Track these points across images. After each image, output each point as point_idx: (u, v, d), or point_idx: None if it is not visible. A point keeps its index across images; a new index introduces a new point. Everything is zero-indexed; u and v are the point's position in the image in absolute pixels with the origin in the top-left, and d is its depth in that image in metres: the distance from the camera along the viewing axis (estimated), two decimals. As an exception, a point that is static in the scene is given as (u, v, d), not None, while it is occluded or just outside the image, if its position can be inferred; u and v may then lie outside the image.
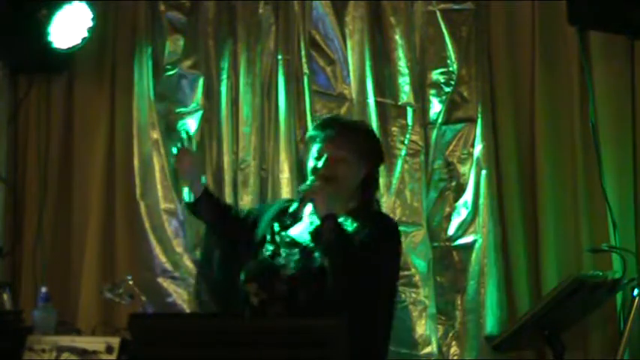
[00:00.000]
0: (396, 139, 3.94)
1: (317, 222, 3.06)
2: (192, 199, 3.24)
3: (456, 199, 3.88)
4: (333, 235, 3.00)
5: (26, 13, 4.06)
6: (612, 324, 3.58)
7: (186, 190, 3.26)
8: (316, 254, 3.05)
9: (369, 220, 3.11)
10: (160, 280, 4.12)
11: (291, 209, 3.23)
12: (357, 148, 3.15)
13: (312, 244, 3.07)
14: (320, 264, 3.02)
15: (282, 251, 3.12)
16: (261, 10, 4.13)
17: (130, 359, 3.33)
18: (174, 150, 3.24)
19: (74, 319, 4.06)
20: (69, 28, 4.11)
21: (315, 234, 3.04)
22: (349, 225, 3.09)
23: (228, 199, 4.07)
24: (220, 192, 4.10)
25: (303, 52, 4.04)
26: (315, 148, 3.16)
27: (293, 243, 3.13)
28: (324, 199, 3.03)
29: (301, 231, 3.16)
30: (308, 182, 3.13)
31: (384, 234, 3.12)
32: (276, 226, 3.20)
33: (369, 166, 3.20)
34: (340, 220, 3.06)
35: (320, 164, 3.12)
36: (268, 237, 3.19)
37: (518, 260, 3.76)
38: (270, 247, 3.15)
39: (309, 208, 3.15)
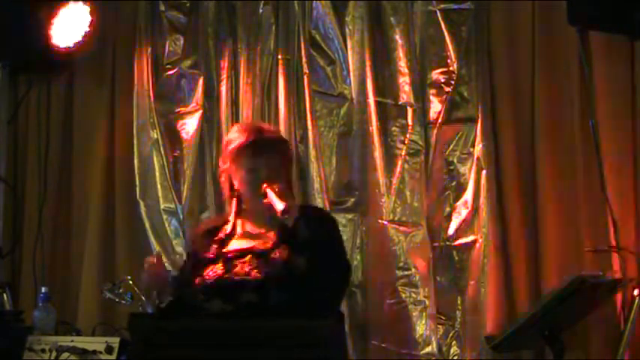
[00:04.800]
0: (396, 138, 3.94)
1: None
2: (163, 304, 3.19)
3: (456, 199, 3.87)
4: (307, 233, 3.08)
5: (26, 13, 4.06)
6: (612, 324, 3.58)
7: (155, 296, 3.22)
8: (273, 255, 3.12)
9: (309, 215, 3.19)
10: (160, 279, 4.11)
11: (224, 228, 3.27)
12: (280, 156, 3.27)
13: (260, 249, 3.15)
14: (282, 265, 3.09)
15: (235, 262, 3.15)
16: (261, 10, 4.13)
17: (129, 359, 3.33)
18: (146, 265, 3.19)
19: (74, 319, 4.06)
20: (69, 28, 4.11)
21: (291, 234, 3.10)
22: (285, 227, 3.16)
23: (228, 198, 4.07)
24: (220, 192, 4.09)
25: (303, 52, 4.04)
26: (245, 162, 3.21)
27: (242, 252, 3.17)
28: (293, 201, 3.16)
29: (242, 240, 3.22)
30: (265, 186, 3.17)
31: (328, 224, 3.27)
32: (214, 246, 3.24)
33: (289, 164, 3.37)
34: (277, 230, 3.18)
35: (263, 175, 3.18)
36: (210, 256, 3.21)
37: (518, 260, 3.76)
38: (217, 264, 3.17)
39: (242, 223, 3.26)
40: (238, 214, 3.29)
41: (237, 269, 3.14)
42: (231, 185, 3.29)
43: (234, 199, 3.30)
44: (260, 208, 3.19)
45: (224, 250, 3.21)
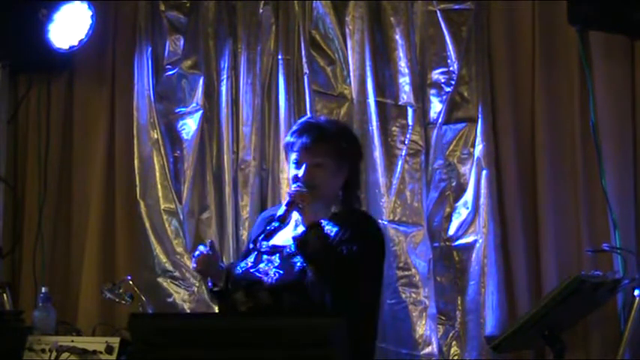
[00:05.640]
0: (397, 139, 3.94)
1: (301, 227, 3.15)
2: (217, 288, 3.26)
3: (457, 199, 3.87)
4: (318, 243, 3.07)
5: (26, 13, 4.06)
6: (612, 324, 3.58)
7: (208, 280, 3.30)
8: (295, 259, 3.13)
9: (350, 223, 3.17)
10: (160, 280, 4.12)
11: (276, 216, 3.28)
12: (334, 153, 3.23)
13: (291, 249, 3.15)
14: (300, 269, 3.10)
15: (264, 258, 3.18)
16: (261, 10, 4.13)
17: (129, 359, 3.33)
18: (195, 255, 3.24)
19: (74, 319, 4.07)
20: (69, 28, 4.11)
21: (300, 242, 3.10)
22: (331, 229, 3.16)
23: (228, 199, 4.07)
24: (220, 192, 4.10)
25: (303, 52, 4.04)
26: (293, 156, 3.25)
27: (274, 249, 3.20)
28: (309, 207, 3.13)
29: (285, 236, 3.25)
30: (293, 187, 3.19)
31: (362, 237, 3.17)
32: (261, 236, 3.30)
33: (349, 166, 3.29)
34: (323, 224, 3.15)
35: (300, 173, 3.20)
36: (251, 245, 3.30)
37: (518, 260, 3.76)
38: (252, 257, 3.23)
39: (295, 213, 3.24)
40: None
41: (261, 265, 3.17)
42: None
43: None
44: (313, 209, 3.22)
45: (263, 243, 3.25)
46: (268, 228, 3.32)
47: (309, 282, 3.06)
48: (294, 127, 3.35)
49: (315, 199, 3.18)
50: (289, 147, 3.27)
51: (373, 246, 3.23)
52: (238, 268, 3.24)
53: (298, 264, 3.12)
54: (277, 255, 3.18)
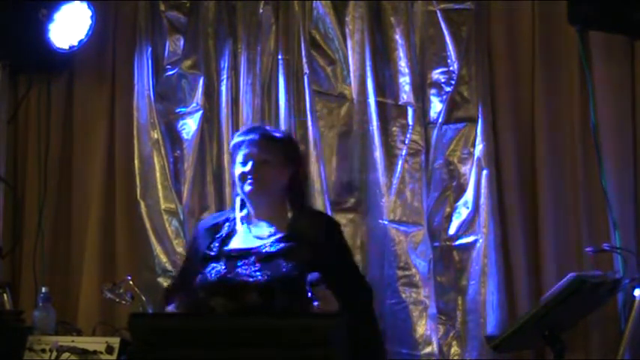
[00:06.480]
0: (397, 138, 3.94)
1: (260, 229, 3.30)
2: None
3: (457, 199, 3.87)
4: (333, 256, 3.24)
5: (26, 13, 4.06)
6: (612, 324, 3.58)
7: None
8: (280, 260, 3.16)
9: (309, 220, 3.31)
10: (160, 280, 4.11)
11: (225, 226, 3.35)
12: (279, 151, 3.33)
13: (268, 250, 3.19)
14: (287, 269, 3.12)
15: (239, 263, 3.19)
16: (261, 10, 4.13)
17: (130, 359, 3.34)
18: None
19: (74, 319, 4.06)
20: (69, 28, 4.11)
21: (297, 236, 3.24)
22: (293, 231, 3.24)
23: (228, 198, 4.07)
24: (220, 192, 4.10)
25: (303, 52, 4.04)
26: (240, 154, 3.33)
27: (247, 253, 3.21)
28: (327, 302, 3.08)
29: (243, 240, 3.28)
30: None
31: (345, 246, 3.42)
32: (215, 243, 3.30)
33: (293, 168, 3.38)
34: (282, 234, 3.24)
35: (247, 168, 3.28)
36: (212, 253, 3.28)
37: (518, 260, 3.76)
38: (219, 264, 3.22)
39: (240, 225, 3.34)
40: (240, 211, 3.35)
41: (240, 269, 3.16)
42: (235, 183, 3.38)
43: (238, 198, 3.37)
44: (262, 210, 3.30)
45: (226, 248, 3.25)
46: (219, 235, 3.33)
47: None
48: (241, 130, 3.49)
49: (261, 194, 3.29)
50: (236, 147, 3.36)
51: (342, 238, 3.43)
52: (208, 274, 3.22)
53: (282, 265, 3.14)
54: (252, 258, 3.19)
